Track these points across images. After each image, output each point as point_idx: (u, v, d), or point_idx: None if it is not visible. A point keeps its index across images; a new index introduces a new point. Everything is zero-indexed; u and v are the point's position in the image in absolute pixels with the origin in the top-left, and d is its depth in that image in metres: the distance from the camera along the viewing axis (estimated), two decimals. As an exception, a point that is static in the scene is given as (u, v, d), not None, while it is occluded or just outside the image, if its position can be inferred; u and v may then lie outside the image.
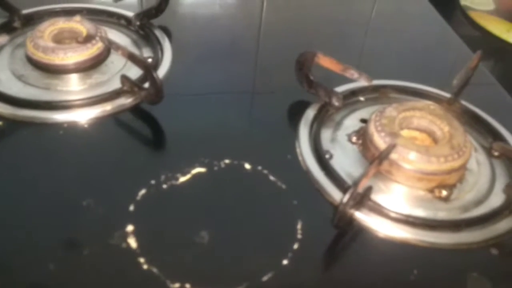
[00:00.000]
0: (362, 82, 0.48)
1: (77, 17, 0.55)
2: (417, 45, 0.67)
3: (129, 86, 0.49)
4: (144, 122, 0.50)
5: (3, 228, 0.39)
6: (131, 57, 0.48)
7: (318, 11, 0.72)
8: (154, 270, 0.36)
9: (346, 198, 0.37)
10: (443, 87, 0.55)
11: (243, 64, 0.59)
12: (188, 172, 0.44)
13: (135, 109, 0.50)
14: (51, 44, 0.52)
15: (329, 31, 0.68)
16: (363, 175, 0.39)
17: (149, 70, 0.46)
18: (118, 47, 0.48)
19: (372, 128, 0.46)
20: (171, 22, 0.62)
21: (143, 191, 0.42)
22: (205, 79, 0.55)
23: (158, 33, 0.60)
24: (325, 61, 0.49)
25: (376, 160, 0.40)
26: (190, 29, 0.64)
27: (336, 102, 0.50)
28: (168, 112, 0.50)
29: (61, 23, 0.55)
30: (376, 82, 0.53)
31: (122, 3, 0.64)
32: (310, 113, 0.50)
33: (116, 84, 0.51)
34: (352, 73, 0.48)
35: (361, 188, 0.39)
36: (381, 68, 0.59)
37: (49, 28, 0.54)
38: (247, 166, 0.45)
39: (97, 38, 0.53)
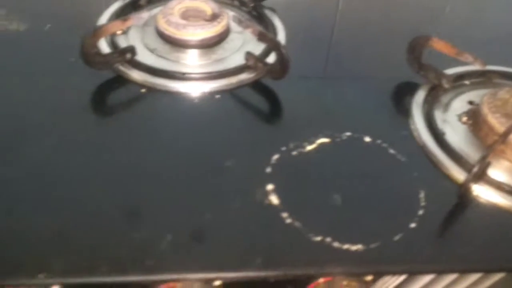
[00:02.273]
0: (476, 66, 0.51)
1: (202, -3, 0.60)
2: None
3: (253, 62, 0.54)
4: (266, 96, 0.54)
5: (163, 184, 0.44)
6: (261, 35, 0.52)
7: None
8: (297, 224, 0.41)
9: (474, 172, 0.41)
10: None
11: (354, 49, 0.63)
12: (314, 141, 0.48)
13: (257, 84, 0.55)
14: (182, 21, 0.57)
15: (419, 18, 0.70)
16: (489, 152, 0.42)
17: (278, 46, 0.50)
18: (248, 25, 0.53)
19: (485, 109, 0.49)
20: (276, 3, 0.66)
21: (276, 156, 0.46)
22: (319, 59, 0.59)
23: (269, 13, 0.64)
24: (440, 45, 0.52)
25: (499, 138, 0.43)
26: (296, 10, 0.68)
27: (446, 84, 0.53)
28: (287, 88, 0.54)
29: (188, 2, 0.59)
30: (484, 67, 0.55)
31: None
32: (421, 94, 0.53)
33: (236, 60, 0.56)
34: (467, 57, 0.51)
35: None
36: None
37: (177, 6, 0.59)
38: (367, 139, 0.49)
39: (222, 17, 0.57)
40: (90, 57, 0.50)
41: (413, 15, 0.71)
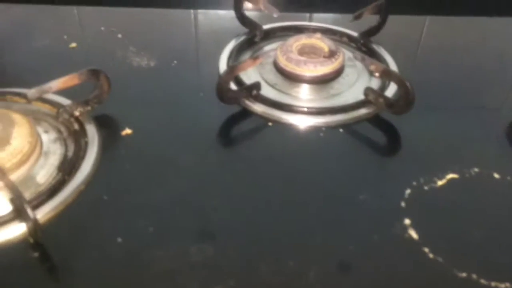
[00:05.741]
0: None
1: (318, 35, 0.62)
2: None
3: (374, 97, 0.55)
4: (387, 130, 0.55)
5: (301, 215, 0.45)
6: (385, 72, 0.54)
7: None
8: (440, 259, 0.41)
9: None
10: None
11: (467, 79, 0.64)
12: (443, 177, 0.49)
13: (376, 118, 0.56)
14: (302, 58, 0.59)
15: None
16: None
17: (403, 82, 0.51)
18: (372, 63, 0.55)
19: None
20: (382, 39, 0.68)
21: (408, 191, 0.47)
22: (434, 91, 0.60)
23: (377, 48, 0.66)
24: None
25: None
26: (402, 44, 0.70)
27: None
28: (406, 121, 0.55)
29: (304, 39, 0.62)
30: None
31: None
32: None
33: (353, 95, 0.58)
34: None
35: None
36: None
37: (295, 43, 0.62)
38: (496, 175, 0.49)
39: (339, 54, 0.60)
40: (224, 92, 0.53)
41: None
